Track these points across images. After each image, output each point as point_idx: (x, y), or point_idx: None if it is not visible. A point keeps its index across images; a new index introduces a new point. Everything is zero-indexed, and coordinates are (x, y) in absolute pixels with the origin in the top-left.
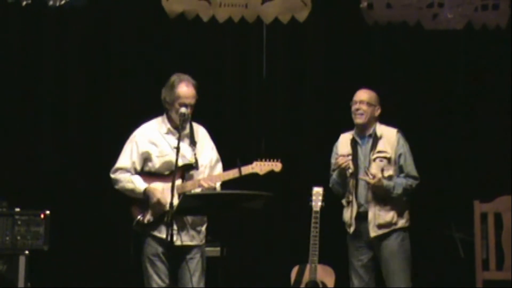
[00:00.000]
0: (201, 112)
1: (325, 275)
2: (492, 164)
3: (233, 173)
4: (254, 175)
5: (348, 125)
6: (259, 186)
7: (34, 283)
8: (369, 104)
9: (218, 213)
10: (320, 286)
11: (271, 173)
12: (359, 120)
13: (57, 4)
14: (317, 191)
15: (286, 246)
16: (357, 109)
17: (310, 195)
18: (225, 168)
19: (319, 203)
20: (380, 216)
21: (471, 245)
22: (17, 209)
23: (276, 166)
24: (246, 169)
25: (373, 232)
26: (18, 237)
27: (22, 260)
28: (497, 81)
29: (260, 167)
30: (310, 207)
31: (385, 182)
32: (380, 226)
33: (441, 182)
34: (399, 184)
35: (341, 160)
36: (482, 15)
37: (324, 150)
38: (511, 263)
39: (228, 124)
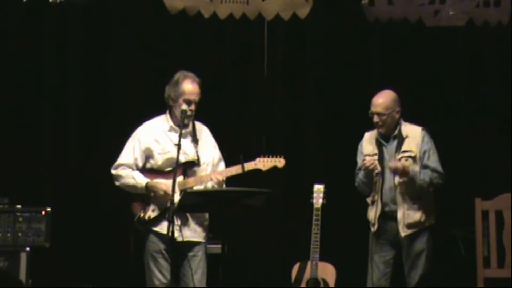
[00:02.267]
0: (202, 109)
1: (326, 272)
2: (494, 162)
3: (236, 169)
4: (257, 171)
5: (350, 121)
6: (260, 183)
7: (35, 280)
8: (384, 114)
9: (218, 210)
10: (321, 283)
11: (272, 169)
12: (380, 130)
13: (58, 0)
14: (318, 188)
15: (287, 243)
16: (376, 122)
17: (311, 192)
18: (228, 164)
19: (320, 200)
20: (409, 216)
21: (472, 242)
22: (19, 206)
23: (279, 162)
24: (249, 165)
25: (403, 232)
26: (20, 234)
27: (23, 257)
28: (499, 78)
29: (263, 163)
30: (311, 204)
31: (411, 168)
32: (409, 226)
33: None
34: (424, 172)
35: (368, 162)
36: (484, 11)
37: (325, 147)
38: None
39: (229, 121)
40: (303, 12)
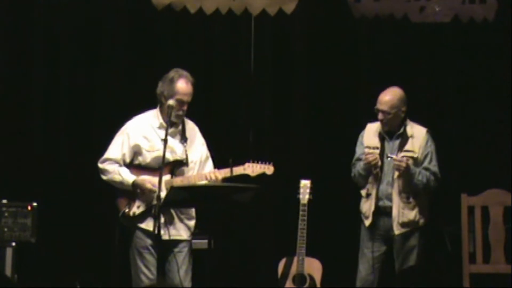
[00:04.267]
0: (189, 104)
1: (313, 267)
2: (480, 158)
3: (224, 173)
4: (245, 175)
5: (337, 117)
6: (247, 179)
7: (21, 275)
8: (390, 112)
9: (206, 205)
10: (308, 279)
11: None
12: (384, 128)
13: None
14: (305, 183)
15: (273, 238)
16: (381, 120)
17: (298, 187)
18: (215, 163)
19: (307, 196)
20: (404, 214)
21: (458, 238)
22: (4, 201)
23: (268, 169)
24: (238, 170)
25: (397, 230)
26: (5, 229)
27: (9, 252)
28: (485, 74)
29: (252, 168)
30: (298, 200)
31: (412, 166)
32: (404, 224)
33: None
34: (423, 173)
35: (371, 157)
36: (470, 8)
37: (312, 143)
38: (498, 257)
39: (216, 116)
40: (289, 7)
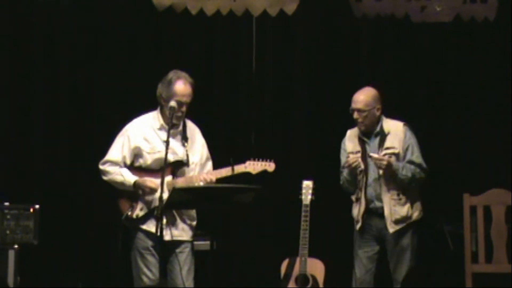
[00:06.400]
0: (190, 105)
1: (315, 268)
2: (482, 157)
3: (226, 172)
4: (246, 173)
5: (339, 117)
6: (249, 180)
7: (24, 278)
8: (365, 110)
9: (208, 206)
10: (310, 279)
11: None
12: (361, 128)
13: None
14: (307, 184)
15: (276, 239)
16: (356, 118)
17: (300, 188)
18: (216, 163)
19: (309, 197)
20: (396, 212)
21: (460, 237)
22: (7, 203)
23: (270, 166)
24: (239, 168)
25: (391, 228)
26: (8, 232)
27: (11, 255)
28: (486, 73)
29: (253, 166)
30: (300, 201)
31: (394, 162)
32: (397, 222)
33: (431, 175)
34: (408, 167)
35: (351, 160)
36: (471, 7)
37: (314, 143)
38: (500, 256)
39: (218, 118)
40: (291, 8)
